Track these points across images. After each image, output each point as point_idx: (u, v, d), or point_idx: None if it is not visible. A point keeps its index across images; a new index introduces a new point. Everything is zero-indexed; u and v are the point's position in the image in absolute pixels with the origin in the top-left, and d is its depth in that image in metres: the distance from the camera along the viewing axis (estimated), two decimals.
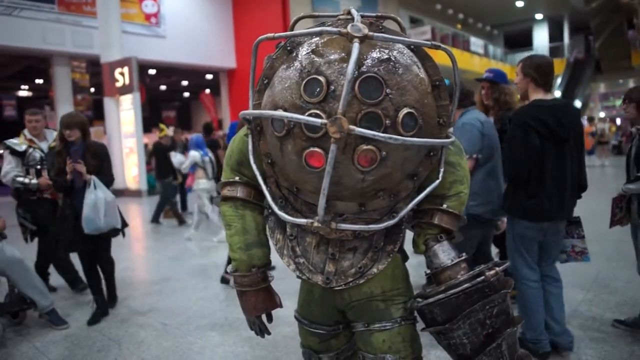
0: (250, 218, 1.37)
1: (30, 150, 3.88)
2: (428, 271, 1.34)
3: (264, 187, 1.21)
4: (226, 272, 4.20)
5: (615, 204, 2.89)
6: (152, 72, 18.11)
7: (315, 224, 1.08)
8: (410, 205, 1.19)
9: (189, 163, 6.14)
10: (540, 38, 26.30)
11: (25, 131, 3.96)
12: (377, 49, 1.05)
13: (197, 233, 6.52)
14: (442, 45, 1.11)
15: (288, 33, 1.11)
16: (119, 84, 12.42)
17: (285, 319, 2.98)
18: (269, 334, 1.48)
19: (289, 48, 1.14)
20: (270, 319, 1.47)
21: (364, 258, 1.28)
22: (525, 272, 2.60)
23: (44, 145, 3.91)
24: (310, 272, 1.30)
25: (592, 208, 3.50)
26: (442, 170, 1.21)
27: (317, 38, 1.09)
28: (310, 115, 0.99)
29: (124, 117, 12.77)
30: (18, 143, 3.88)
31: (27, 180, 3.78)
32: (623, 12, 20.26)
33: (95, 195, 3.30)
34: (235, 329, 3.24)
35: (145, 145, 13.37)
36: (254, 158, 1.23)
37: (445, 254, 1.29)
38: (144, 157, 12.69)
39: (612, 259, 4.45)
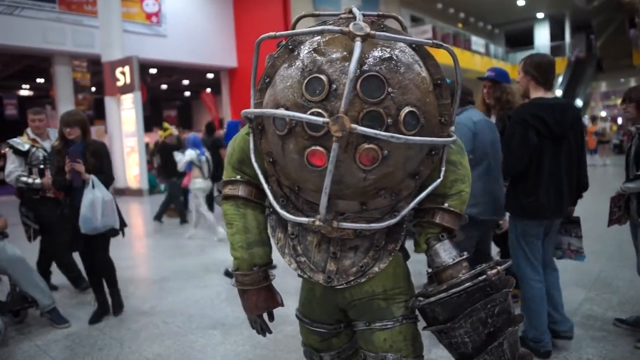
0: (251, 217, 1.37)
1: (34, 149, 3.88)
2: (429, 270, 1.34)
3: (265, 186, 1.21)
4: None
5: (614, 203, 2.90)
6: (153, 71, 18.12)
7: (317, 222, 1.08)
8: (412, 204, 1.18)
9: (185, 161, 6.19)
10: (542, 37, 26.27)
11: (29, 130, 3.96)
12: (379, 48, 1.05)
13: (198, 232, 6.53)
14: (444, 44, 1.10)
15: (290, 32, 1.11)
16: (120, 83, 12.43)
17: (286, 317, 2.99)
18: (270, 332, 1.48)
19: (290, 47, 1.14)
20: (271, 317, 1.47)
21: (365, 257, 1.28)
22: (528, 271, 2.60)
23: (47, 145, 3.90)
24: (312, 271, 1.30)
25: (593, 207, 3.50)
26: (443, 169, 1.20)
27: (319, 37, 1.09)
28: (312, 114, 0.99)
29: (125, 117, 12.78)
30: (21, 142, 3.89)
31: (30, 180, 3.79)
32: (625, 11, 20.22)
33: (93, 195, 3.24)
34: (237, 327, 3.24)
35: (147, 145, 13.38)
36: (255, 157, 1.23)
37: (446, 252, 1.29)
38: (145, 156, 12.69)
39: (613, 258, 4.45)
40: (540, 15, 25.57)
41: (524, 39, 26.23)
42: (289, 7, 14.64)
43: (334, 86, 1.00)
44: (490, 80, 3.26)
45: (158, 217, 7.85)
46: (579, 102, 22.57)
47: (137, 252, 6.18)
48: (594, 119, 17.85)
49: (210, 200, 7.67)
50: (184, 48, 15.11)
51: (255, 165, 1.22)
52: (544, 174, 2.51)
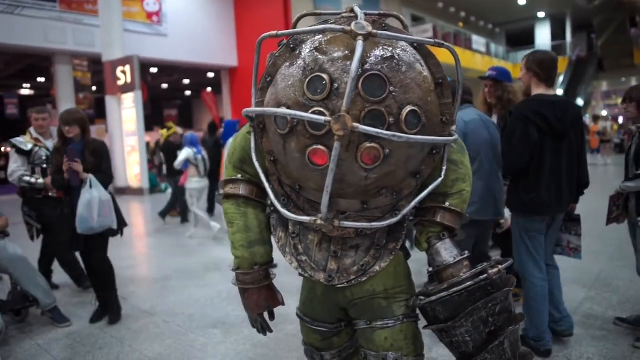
0: (252, 216, 1.38)
1: (36, 149, 3.88)
2: (430, 269, 1.34)
3: (266, 185, 1.21)
4: None
5: (612, 202, 2.90)
6: (153, 70, 18.14)
7: (318, 221, 1.08)
8: (413, 203, 1.18)
9: (181, 160, 6.23)
10: (543, 36, 26.24)
11: (32, 129, 3.96)
12: (381, 47, 1.05)
13: (199, 231, 6.53)
14: (446, 43, 1.10)
15: (291, 31, 1.11)
16: (120, 83, 12.43)
17: (287, 316, 3.00)
18: (271, 331, 1.48)
19: (292, 46, 1.14)
20: (272, 316, 1.48)
21: (366, 256, 1.28)
22: (531, 268, 2.60)
23: (50, 144, 3.88)
24: (313, 270, 1.30)
25: (594, 206, 3.50)
26: (444, 168, 1.21)
27: (321, 36, 1.09)
28: (313, 112, 0.99)
29: (126, 116, 12.78)
30: (24, 142, 3.88)
31: (33, 180, 3.79)
32: (626, 10, 20.22)
33: (90, 195, 3.18)
34: (237, 326, 3.24)
35: (147, 144, 13.39)
36: (256, 156, 1.23)
37: (447, 251, 1.30)
38: (146, 156, 12.70)
39: (614, 258, 4.45)
40: (541, 14, 25.53)
41: (525, 38, 26.20)
42: (290, 7, 14.62)
43: (336, 85, 1.00)
44: (492, 80, 3.26)
45: (162, 214, 7.87)
46: (580, 102, 22.54)
47: (138, 251, 6.18)
48: (596, 118, 17.81)
49: (211, 199, 7.69)
50: (184, 47, 15.11)
51: (257, 164, 1.22)
52: (545, 170, 2.51)
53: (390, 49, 1.05)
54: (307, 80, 1.02)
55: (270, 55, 1.19)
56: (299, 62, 1.07)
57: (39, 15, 12.50)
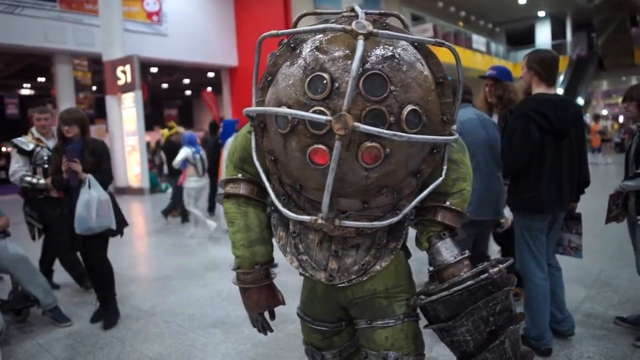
0: (253, 215, 1.38)
1: (38, 149, 3.87)
2: (431, 268, 1.34)
3: (267, 184, 1.21)
4: None
5: (612, 201, 2.91)
6: (154, 70, 18.12)
7: (319, 221, 1.08)
8: (414, 203, 1.18)
9: (180, 159, 6.26)
10: (543, 35, 26.22)
11: (33, 129, 3.95)
12: (381, 46, 1.05)
13: (199, 230, 6.54)
14: (446, 43, 1.10)
15: (291, 30, 1.11)
16: (120, 82, 12.42)
17: (288, 316, 3.00)
18: (272, 331, 1.48)
19: (292, 45, 1.14)
20: (272, 316, 1.48)
21: (366, 255, 1.28)
22: (532, 267, 2.60)
23: (52, 144, 3.86)
24: (313, 269, 1.30)
25: (594, 205, 3.49)
26: (445, 167, 1.21)
27: (321, 35, 1.09)
28: (314, 112, 0.99)
29: (126, 115, 12.78)
30: (26, 142, 3.87)
31: (34, 180, 3.78)
32: (626, 9, 20.22)
33: (89, 195, 3.15)
34: (238, 326, 3.24)
35: (148, 144, 13.38)
36: (257, 155, 1.22)
37: (448, 251, 1.30)
38: (146, 155, 12.69)
39: (614, 257, 4.45)
40: (541, 13, 25.52)
41: (525, 38, 26.19)
42: (290, 6, 14.61)
43: (337, 84, 1.00)
44: (492, 79, 3.26)
45: (165, 213, 7.87)
46: (580, 101, 22.54)
47: (138, 250, 6.19)
48: (596, 117, 17.79)
49: (212, 198, 7.69)
50: (184, 47, 15.10)
51: (257, 163, 1.22)
52: (546, 169, 2.51)
53: (391, 48, 1.05)
54: (308, 79, 1.02)
55: (270, 54, 1.19)
56: (299, 62, 1.07)
57: (39, 15, 12.49)
